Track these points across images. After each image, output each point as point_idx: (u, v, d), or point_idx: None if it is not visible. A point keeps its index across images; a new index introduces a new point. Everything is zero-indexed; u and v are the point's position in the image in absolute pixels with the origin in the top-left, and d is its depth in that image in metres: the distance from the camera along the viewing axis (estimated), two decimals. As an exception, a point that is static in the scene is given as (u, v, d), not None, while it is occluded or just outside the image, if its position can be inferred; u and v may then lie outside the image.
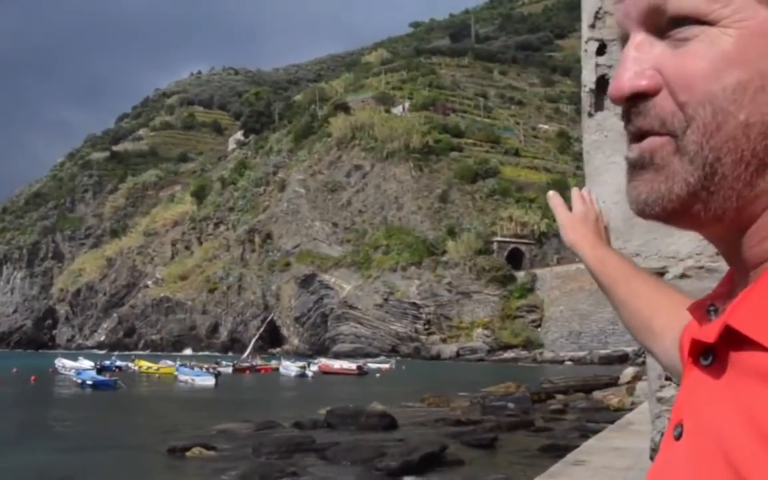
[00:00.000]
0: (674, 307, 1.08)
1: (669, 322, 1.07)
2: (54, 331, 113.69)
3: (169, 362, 56.52)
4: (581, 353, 63.59)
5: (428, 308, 75.47)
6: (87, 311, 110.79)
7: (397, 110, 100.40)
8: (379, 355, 70.94)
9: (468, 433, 21.04)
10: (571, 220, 1.39)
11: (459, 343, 72.01)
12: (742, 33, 0.64)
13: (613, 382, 32.07)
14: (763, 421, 0.60)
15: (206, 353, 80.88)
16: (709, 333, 0.68)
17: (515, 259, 78.69)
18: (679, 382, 0.77)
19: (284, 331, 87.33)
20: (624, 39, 0.72)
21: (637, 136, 0.70)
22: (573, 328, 67.96)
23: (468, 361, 66.53)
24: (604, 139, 2.40)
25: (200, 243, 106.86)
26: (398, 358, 67.78)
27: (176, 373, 49.79)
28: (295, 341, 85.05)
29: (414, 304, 75.91)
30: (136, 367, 57.04)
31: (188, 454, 18.89)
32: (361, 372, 53.09)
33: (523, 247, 79.75)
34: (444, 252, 78.58)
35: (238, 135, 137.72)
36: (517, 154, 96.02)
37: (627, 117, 0.71)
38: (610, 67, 2.34)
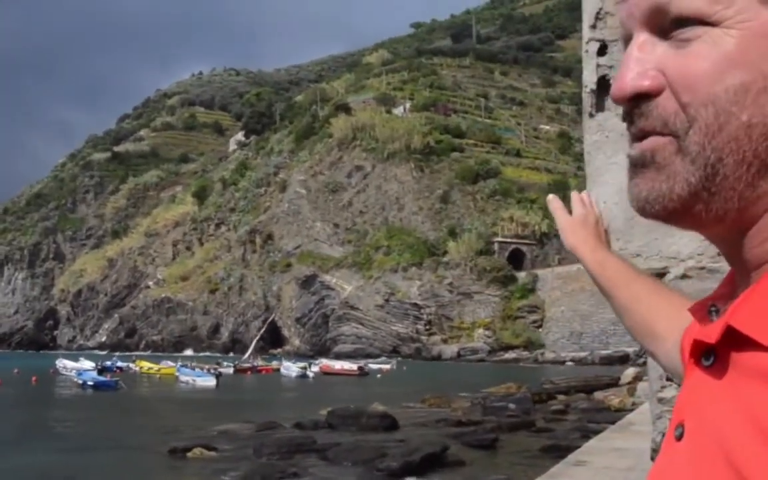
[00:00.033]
0: (675, 310, 1.08)
1: (670, 325, 1.07)
2: (55, 332, 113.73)
3: (170, 363, 56.51)
4: (582, 354, 63.57)
5: (429, 309, 75.48)
6: (88, 312, 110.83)
7: (398, 111, 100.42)
8: (380, 355, 70.95)
9: (469, 433, 21.03)
10: (571, 224, 1.38)
11: (460, 343, 72.00)
12: (745, 34, 0.64)
13: (614, 383, 32.06)
14: (765, 421, 0.60)
15: (207, 354, 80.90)
16: (711, 333, 0.68)
17: (516, 259, 78.68)
18: (681, 383, 0.77)
19: (285, 332, 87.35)
20: (627, 39, 0.72)
21: (640, 137, 0.70)
22: (574, 329, 67.95)
23: (469, 362, 66.53)
24: (605, 140, 2.40)
25: (201, 244, 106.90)
26: (399, 358, 67.78)
27: (177, 373, 49.77)
28: (296, 342, 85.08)
29: (415, 304, 75.92)
30: (137, 368, 57.04)
31: (189, 454, 18.89)
32: (362, 373, 53.10)
33: (524, 248, 79.75)
34: (445, 252, 78.59)
35: (239, 136, 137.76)
36: (518, 154, 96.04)
37: (629, 118, 0.71)
38: (611, 67, 2.34)
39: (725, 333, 0.65)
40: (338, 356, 68.71)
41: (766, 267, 0.68)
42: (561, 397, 30.67)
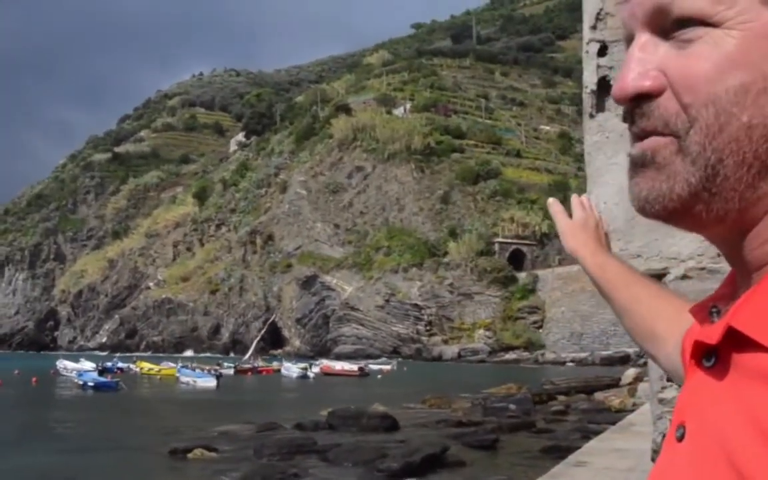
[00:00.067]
0: (675, 312, 1.09)
1: (670, 327, 1.08)
2: (56, 333, 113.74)
3: (171, 364, 56.51)
4: (583, 354, 63.55)
5: (430, 309, 75.48)
6: (89, 313, 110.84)
7: (398, 111, 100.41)
8: (381, 356, 70.96)
9: (469, 434, 21.02)
10: (571, 227, 1.38)
11: (460, 344, 71.99)
12: (746, 35, 0.64)
13: (615, 384, 32.05)
14: (766, 422, 0.60)
15: (208, 355, 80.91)
16: (712, 334, 0.68)
17: (517, 260, 78.68)
18: (681, 385, 0.77)
19: (286, 333, 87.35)
20: (629, 39, 0.72)
21: (641, 137, 0.70)
22: (574, 329, 67.94)
23: (469, 363, 66.51)
24: (605, 141, 2.40)
25: (202, 244, 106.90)
26: (400, 359, 67.77)
27: (178, 374, 49.77)
28: (297, 343, 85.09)
29: (415, 305, 75.92)
30: (138, 369, 57.03)
31: (190, 455, 18.89)
32: (363, 373, 53.09)
33: (524, 248, 79.74)
34: (445, 253, 78.58)
35: (240, 136, 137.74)
36: (518, 155, 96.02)
37: (630, 118, 0.71)
38: (611, 68, 2.34)
39: (726, 334, 0.65)
40: (339, 357, 68.71)
41: (766, 268, 0.68)
42: (561, 397, 30.66)
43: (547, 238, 77.74)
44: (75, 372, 48.74)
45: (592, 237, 1.36)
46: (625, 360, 52.21)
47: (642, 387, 22.24)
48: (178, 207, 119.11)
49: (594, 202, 2.36)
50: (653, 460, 2.39)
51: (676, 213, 0.68)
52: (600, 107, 2.40)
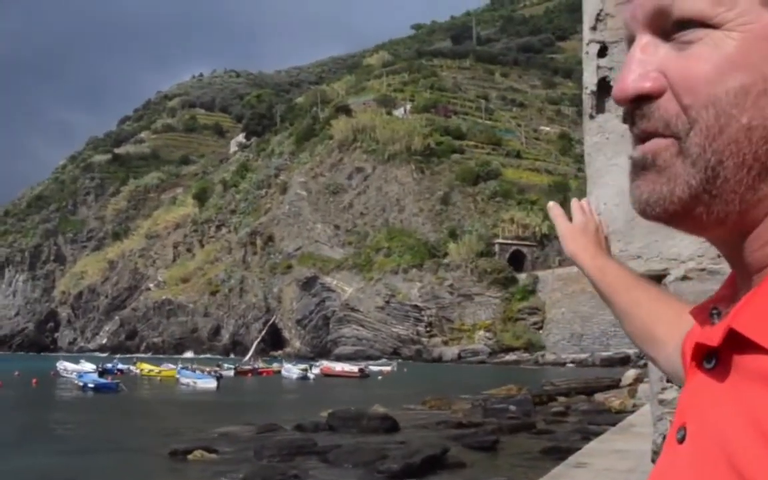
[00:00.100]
0: (675, 315, 1.09)
1: (670, 330, 1.08)
2: (56, 334, 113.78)
3: (171, 365, 56.49)
4: (583, 355, 63.55)
5: (430, 310, 75.48)
6: (89, 314, 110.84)
7: (398, 112, 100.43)
8: (381, 357, 70.94)
9: (469, 435, 21.02)
10: (571, 231, 1.39)
11: (460, 345, 71.98)
12: (746, 36, 0.64)
13: (615, 385, 32.05)
14: (767, 424, 0.60)
15: (208, 356, 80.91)
16: (713, 336, 0.68)
17: (517, 261, 78.67)
18: (681, 387, 0.78)
19: (286, 334, 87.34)
20: (630, 40, 0.72)
21: (642, 138, 0.70)
22: (575, 330, 67.93)
23: (469, 364, 66.50)
24: (605, 142, 2.40)
25: (202, 245, 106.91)
26: (400, 360, 67.77)
27: (178, 375, 49.77)
28: (297, 344, 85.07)
29: (415, 306, 75.92)
30: (138, 370, 57.01)
31: (190, 457, 18.88)
32: (363, 374, 53.09)
33: (524, 249, 79.73)
34: (445, 254, 78.56)
35: (240, 137, 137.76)
36: (518, 156, 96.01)
37: (631, 119, 0.71)
38: (611, 69, 2.34)
39: (727, 336, 0.65)
40: (339, 358, 68.69)
41: (767, 270, 0.68)
42: (561, 398, 30.65)
43: (548, 239, 77.72)
44: (75, 373, 48.74)
45: (592, 241, 1.36)
46: (625, 361, 52.17)
47: (642, 388, 22.24)
48: (178, 208, 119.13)
49: (594, 203, 2.36)
50: (653, 461, 2.39)
51: (677, 215, 0.69)
52: (600, 108, 2.40)
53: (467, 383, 39.89)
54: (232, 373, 55.16)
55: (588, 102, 2.41)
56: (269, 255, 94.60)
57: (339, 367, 56.89)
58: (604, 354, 60.67)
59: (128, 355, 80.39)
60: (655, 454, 2.41)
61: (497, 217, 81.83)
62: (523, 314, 72.39)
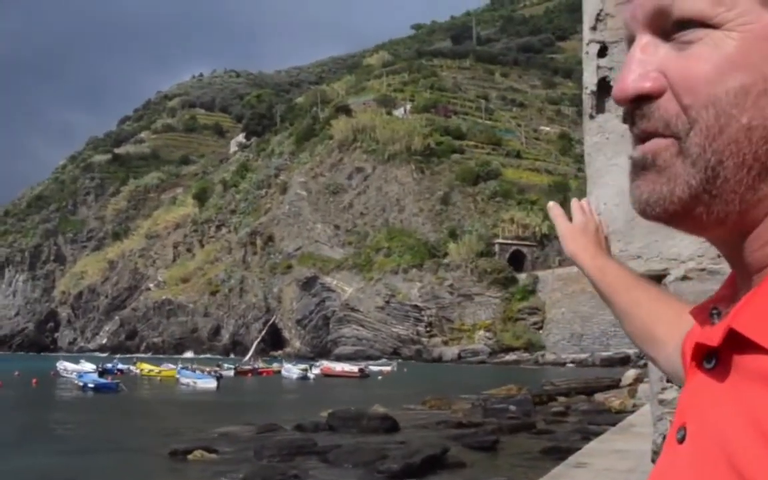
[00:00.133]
0: (675, 315, 1.10)
1: (670, 330, 1.09)
2: (56, 334, 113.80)
3: (171, 365, 56.49)
4: (583, 355, 63.56)
5: (430, 310, 75.48)
6: (89, 314, 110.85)
7: (398, 112, 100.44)
8: (381, 357, 70.94)
9: (469, 435, 21.02)
10: (571, 231, 1.39)
11: (460, 345, 71.99)
12: (746, 36, 0.64)
13: (615, 385, 32.05)
14: (767, 424, 0.60)
15: (208, 356, 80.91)
16: (713, 336, 0.68)
17: (517, 261, 78.67)
18: (681, 388, 0.78)
19: (286, 334, 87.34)
20: (630, 40, 0.72)
21: (642, 138, 0.71)
22: (575, 330, 67.93)
23: (469, 364, 66.51)
24: (605, 142, 2.40)
25: (202, 245, 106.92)
26: (400, 360, 67.77)
27: (178, 375, 49.77)
28: (297, 344, 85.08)
29: (415, 306, 75.92)
30: (138, 370, 57.00)
31: (190, 457, 18.88)
32: (363, 374, 53.09)
33: (524, 249, 79.74)
34: (445, 254, 78.56)
35: (240, 137, 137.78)
36: (518, 156, 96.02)
37: (631, 119, 0.71)
38: (611, 69, 2.34)
39: (727, 336, 0.65)
40: (339, 358, 68.70)
41: (767, 270, 0.68)
42: (561, 398, 30.65)
43: (547, 239, 77.73)
44: (75, 373, 48.73)
45: (592, 241, 1.36)
46: (625, 361, 52.17)
47: (642, 388, 22.24)
48: (178, 208, 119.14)
49: (594, 203, 2.36)
50: (653, 461, 2.39)
51: (677, 215, 0.69)
52: (600, 108, 2.40)
53: (467, 383, 39.89)
54: (232, 373, 55.16)
55: (588, 102, 2.41)
56: (269, 255, 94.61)
57: (339, 367, 56.89)
58: (604, 354, 60.69)
59: (128, 355, 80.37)
60: (655, 454, 2.41)
61: (497, 217, 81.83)
62: (523, 314, 72.39)
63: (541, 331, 71.32)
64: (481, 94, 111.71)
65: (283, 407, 32.64)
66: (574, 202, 1.44)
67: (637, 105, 0.70)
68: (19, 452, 20.10)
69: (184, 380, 47.43)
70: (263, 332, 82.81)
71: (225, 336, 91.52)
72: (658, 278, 2.26)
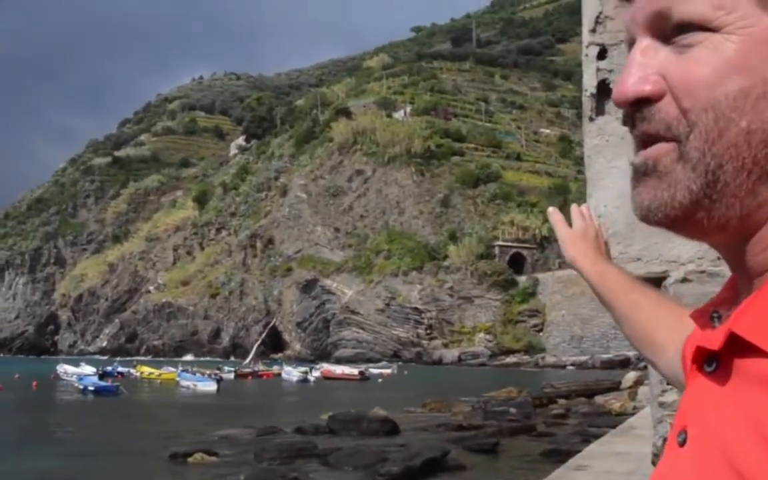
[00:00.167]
0: (675, 320, 1.10)
1: (670, 335, 1.09)
2: (56, 337, 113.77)
3: (171, 368, 56.44)
4: (583, 358, 63.54)
5: (430, 313, 75.47)
6: (89, 317, 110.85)
7: (398, 115, 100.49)
8: (381, 360, 70.92)
9: (470, 438, 21.01)
10: (571, 237, 1.39)
11: (461, 348, 71.99)
12: (746, 40, 0.65)
13: (615, 387, 32.02)
14: None
15: (208, 359, 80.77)
16: (714, 340, 0.68)
17: (517, 263, 78.67)
18: (682, 392, 0.78)
19: (286, 337, 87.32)
20: (631, 43, 0.73)
21: (643, 141, 0.70)
22: (575, 333, 67.92)
23: (470, 366, 66.50)
24: (605, 144, 2.40)
25: (202, 248, 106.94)
26: (400, 363, 67.78)
27: (178, 378, 49.73)
28: (297, 346, 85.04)
29: (416, 309, 75.91)
30: (138, 373, 56.94)
31: (190, 460, 18.87)
32: (363, 377, 53.03)
33: (524, 252, 79.74)
34: (445, 257, 78.57)
35: (240, 140, 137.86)
36: (518, 158, 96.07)
37: (631, 122, 0.71)
38: (611, 71, 2.34)
39: (728, 339, 0.66)
40: (339, 361, 68.69)
41: None
42: (562, 401, 30.64)
43: (548, 241, 77.72)
44: (75, 376, 48.70)
45: (591, 246, 1.37)
46: (625, 363, 52.18)
47: (642, 390, 22.24)
48: (178, 211, 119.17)
49: (594, 205, 2.36)
50: (654, 463, 2.39)
51: (678, 221, 0.69)
52: (600, 110, 2.40)
53: (467, 386, 39.86)
54: (232, 375, 55.15)
55: (588, 104, 2.41)
56: (269, 258, 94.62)
57: (339, 369, 56.85)
58: (605, 356, 60.68)
59: (128, 358, 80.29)
60: (656, 456, 2.41)
61: (497, 220, 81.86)
62: (523, 316, 72.38)
63: (541, 334, 71.31)
64: (481, 97, 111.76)
65: (284, 410, 32.63)
66: (574, 208, 1.43)
67: (637, 108, 0.70)
68: (19, 455, 20.08)
69: (184, 383, 47.39)
70: (263, 335, 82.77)
71: (225, 339, 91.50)
72: (658, 280, 2.26)
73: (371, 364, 64.36)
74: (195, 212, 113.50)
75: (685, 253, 2.24)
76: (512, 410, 26.63)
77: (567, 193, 76.81)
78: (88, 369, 53.28)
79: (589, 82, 2.39)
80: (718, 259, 1.35)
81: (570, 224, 1.42)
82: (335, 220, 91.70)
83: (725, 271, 0.74)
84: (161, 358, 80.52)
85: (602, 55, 2.37)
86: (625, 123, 0.73)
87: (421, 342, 74.63)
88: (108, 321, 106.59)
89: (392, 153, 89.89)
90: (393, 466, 16.49)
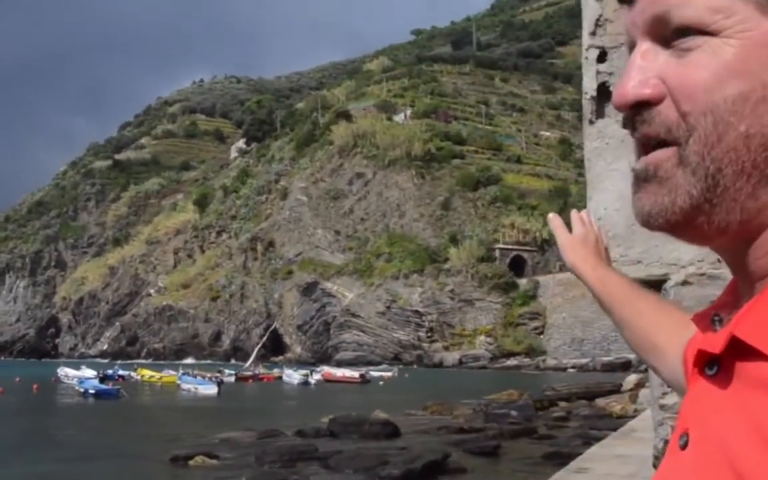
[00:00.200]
0: (675, 324, 1.10)
1: (671, 339, 1.09)
2: (57, 340, 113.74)
3: (172, 371, 56.39)
4: (584, 360, 63.51)
5: (431, 316, 75.45)
6: (90, 320, 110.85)
7: (398, 118, 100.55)
8: (382, 363, 70.93)
9: (471, 440, 21.00)
10: (571, 242, 1.39)
11: (461, 350, 71.96)
12: (745, 43, 0.65)
13: (616, 390, 31.99)
14: None
15: (209, 362, 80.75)
16: (715, 343, 0.68)
17: (517, 266, 78.68)
18: (683, 396, 0.78)
19: (287, 340, 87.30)
20: (632, 46, 0.73)
21: (644, 144, 0.71)
22: (575, 335, 67.90)
23: (471, 369, 66.47)
24: (605, 147, 2.40)
25: (202, 251, 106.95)
26: (401, 365, 67.78)
27: (179, 381, 49.69)
28: (298, 349, 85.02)
29: (416, 311, 75.89)
30: (139, 376, 56.91)
31: (191, 462, 18.87)
32: (364, 380, 53.01)
33: (525, 255, 79.74)
34: (446, 259, 78.58)
35: (240, 143, 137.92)
36: (518, 161, 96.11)
37: (632, 125, 0.72)
38: (610, 74, 2.35)
39: (729, 343, 0.66)
40: (340, 364, 68.64)
41: None
42: (563, 403, 30.62)
43: (548, 244, 77.70)
44: (76, 379, 48.69)
45: (592, 252, 1.37)
46: (626, 366, 52.14)
47: (643, 393, 22.22)
48: (178, 214, 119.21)
49: (594, 207, 2.37)
50: (655, 466, 2.39)
51: (679, 226, 0.69)
52: (600, 113, 2.40)
53: (468, 388, 39.85)
54: (233, 378, 55.08)
55: (588, 107, 2.41)
56: (270, 260, 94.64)
57: (340, 372, 56.83)
58: (605, 359, 60.63)
59: (129, 361, 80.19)
60: (657, 459, 2.42)
61: (498, 223, 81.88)
62: (524, 319, 72.37)
63: (542, 336, 71.29)
64: (481, 100, 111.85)
65: (284, 413, 32.60)
66: (574, 214, 1.44)
67: (637, 111, 0.70)
68: (20, 458, 20.07)
69: (185, 386, 47.37)
70: (264, 338, 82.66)
71: (226, 342, 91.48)
72: (658, 283, 2.27)
73: (372, 367, 64.35)
74: (195, 215, 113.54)
75: (686, 255, 2.24)
76: (513, 413, 26.62)
77: (567, 196, 76.90)
78: (88, 372, 53.23)
79: (589, 85, 2.39)
80: (719, 261, 1.35)
81: (570, 229, 1.41)
82: (336, 223, 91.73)
83: (726, 273, 0.75)
84: (162, 362, 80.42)
85: (602, 57, 2.38)
86: (625, 126, 0.73)
87: (421, 345, 74.61)
88: (109, 324, 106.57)
89: (392, 156, 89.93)
90: (394, 469, 16.48)
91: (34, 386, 46.20)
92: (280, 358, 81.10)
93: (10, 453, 20.84)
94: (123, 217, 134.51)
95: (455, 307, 75.30)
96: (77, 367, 58.08)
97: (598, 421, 24.29)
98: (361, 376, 54.13)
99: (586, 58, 2.40)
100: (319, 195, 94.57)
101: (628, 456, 8.78)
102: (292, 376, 55.14)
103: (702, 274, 2.21)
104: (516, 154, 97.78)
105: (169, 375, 54.49)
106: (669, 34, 0.68)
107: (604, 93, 2.36)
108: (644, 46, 0.70)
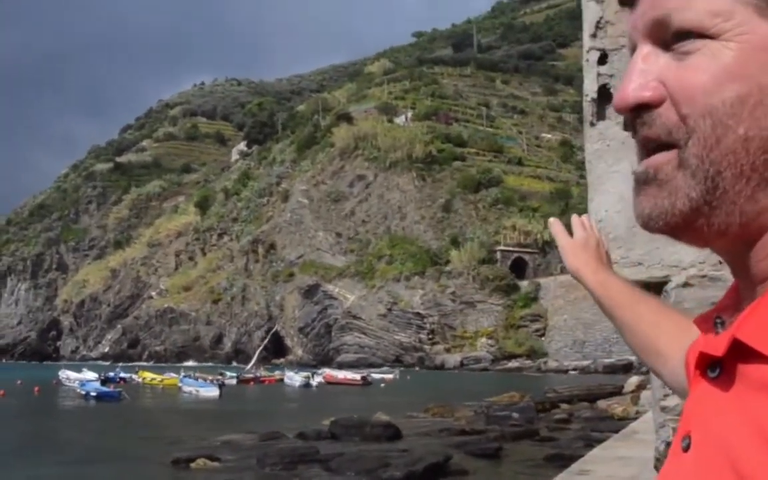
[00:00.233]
0: (677, 328, 1.11)
1: (672, 343, 1.10)
2: (58, 343, 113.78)
3: (173, 373, 56.42)
4: (585, 362, 63.49)
5: (432, 318, 75.43)
6: (91, 322, 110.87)
7: (399, 120, 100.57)
8: (383, 365, 70.91)
9: (472, 443, 20.98)
10: (572, 247, 1.39)
11: (463, 352, 71.93)
12: (744, 47, 0.65)
13: (618, 391, 31.97)
14: None
15: (210, 364, 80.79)
16: (717, 346, 0.68)
17: (519, 268, 78.65)
18: (685, 399, 0.78)
19: (288, 342, 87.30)
20: (633, 49, 0.74)
21: (645, 146, 0.71)
22: (577, 337, 67.86)
23: (472, 371, 66.44)
24: (606, 148, 2.40)
25: (204, 254, 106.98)
26: (402, 368, 67.75)
27: (180, 384, 49.69)
28: (299, 352, 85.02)
29: (418, 313, 75.87)
30: (140, 379, 56.92)
31: (193, 465, 18.85)
32: (366, 382, 53.02)
33: (526, 256, 79.72)
34: (447, 261, 78.57)
35: (242, 146, 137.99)
36: (520, 163, 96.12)
37: (633, 127, 0.72)
38: (611, 76, 2.35)
39: (731, 346, 0.66)
40: (341, 366, 68.63)
41: None
42: (564, 405, 30.61)
43: (549, 246, 77.61)
44: (77, 382, 48.70)
45: (593, 256, 1.36)
46: (627, 368, 52.09)
47: (645, 395, 22.18)
48: (180, 216, 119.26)
49: (595, 209, 2.37)
50: (656, 468, 2.39)
51: (679, 228, 0.69)
52: (601, 115, 2.41)
53: (470, 390, 39.80)
54: (234, 381, 55.13)
55: (588, 109, 2.41)
56: (271, 263, 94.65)
57: (341, 374, 56.85)
58: (607, 361, 60.60)
59: (130, 364, 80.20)
60: (658, 460, 2.42)
61: (499, 225, 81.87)
62: (526, 321, 72.35)
63: (543, 338, 71.26)
64: (482, 102, 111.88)
65: (286, 415, 32.59)
66: (575, 218, 1.44)
67: (637, 113, 0.71)
68: (21, 461, 20.08)
69: (186, 388, 47.37)
70: (265, 340, 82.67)
71: (227, 344, 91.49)
72: (659, 285, 2.27)
73: (373, 369, 64.34)
74: (197, 218, 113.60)
75: (687, 257, 2.24)
76: (515, 415, 26.60)
77: (568, 198, 76.91)
78: (90, 375, 53.26)
79: (590, 87, 2.39)
80: (720, 263, 1.36)
81: (571, 234, 1.41)
82: (337, 225, 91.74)
83: (727, 275, 0.74)
84: (163, 364, 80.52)
85: (603, 60, 2.38)
86: (626, 128, 0.74)
87: (423, 347, 74.59)
88: (110, 326, 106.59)
89: (393, 158, 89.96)
90: (395, 472, 16.47)
91: (36, 389, 46.23)
92: (282, 360, 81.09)
93: (12, 456, 20.85)
94: (124, 219, 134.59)
95: (456, 309, 75.29)
96: (79, 370, 58.04)
97: (600, 423, 24.28)
98: (363, 378, 54.13)
99: (587, 60, 2.40)
100: (320, 197, 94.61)
101: (629, 458, 8.77)
102: (294, 378, 55.17)
103: (703, 276, 2.21)
104: (517, 156, 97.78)
105: (170, 377, 54.51)
106: (669, 37, 0.69)
107: (604, 95, 2.37)
108: (645, 49, 0.71)
